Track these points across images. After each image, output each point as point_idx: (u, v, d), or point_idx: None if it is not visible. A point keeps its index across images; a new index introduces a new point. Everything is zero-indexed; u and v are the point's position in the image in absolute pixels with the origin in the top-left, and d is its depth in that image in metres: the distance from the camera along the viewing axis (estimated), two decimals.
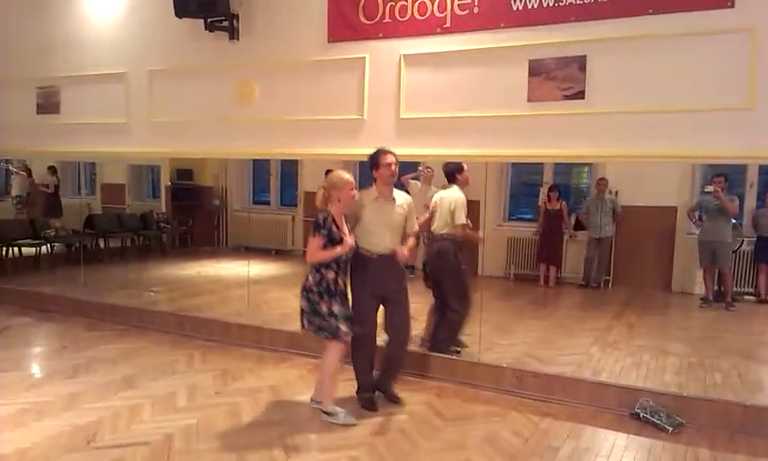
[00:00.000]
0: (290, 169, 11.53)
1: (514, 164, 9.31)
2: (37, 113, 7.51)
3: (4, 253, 8.94)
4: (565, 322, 6.97)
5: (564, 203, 9.20)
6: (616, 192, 9.00)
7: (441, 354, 5.24)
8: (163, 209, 11.02)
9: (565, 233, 9.24)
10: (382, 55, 5.42)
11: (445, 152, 5.29)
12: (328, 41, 5.66)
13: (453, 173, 5.41)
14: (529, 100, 4.87)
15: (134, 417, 4.27)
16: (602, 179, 9.03)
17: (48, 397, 4.59)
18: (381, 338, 4.61)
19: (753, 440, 4.10)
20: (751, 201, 8.61)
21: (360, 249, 4.39)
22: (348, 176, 4.27)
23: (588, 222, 9.04)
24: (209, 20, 6.06)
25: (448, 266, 5.33)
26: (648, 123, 4.50)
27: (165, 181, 11.00)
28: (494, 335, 6.05)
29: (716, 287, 7.99)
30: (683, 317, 7.67)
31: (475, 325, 5.46)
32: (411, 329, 4.69)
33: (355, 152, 5.74)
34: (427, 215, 5.48)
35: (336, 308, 4.17)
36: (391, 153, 4.47)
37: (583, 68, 4.67)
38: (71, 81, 7.21)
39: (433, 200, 5.56)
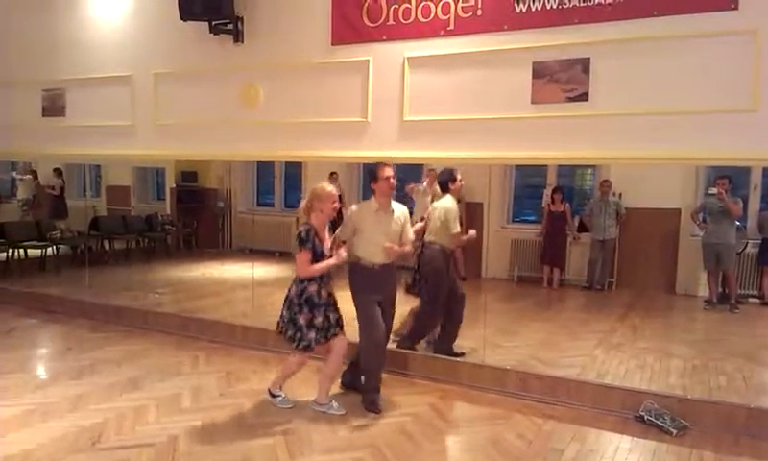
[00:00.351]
0: (294, 171, 11.54)
1: (517, 166, 9.28)
2: (43, 116, 7.54)
3: (10, 254, 8.98)
4: (569, 324, 6.96)
5: (567, 205, 9.19)
6: (620, 194, 8.98)
7: (444, 357, 5.25)
8: (168, 211, 11.04)
9: (569, 235, 9.23)
10: (386, 57, 5.43)
11: (449, 154, 5.29)
12: (332, 44, 5.67)
13: (446, 182, 5.43)
14: (533, 102, 4.87)
15: (139, 418, 4.29)
16: (605, 181, 9.02)
17: (53, 398, 4.61)
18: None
19: (757, 443, 4.10)
20: (755, 203, 8.58)
21: (363, 261, 4.52)
22: (331, 189, 4.38)
23: (591, 224, 9.03)
24: (214, 23, 6.08)
25: (428, 274, 5.35)
26: (652, 125, 4.49)
27: (170, 183, 11.03)
28: (498, 337, 6.05)
29: (720, 289, 7.96)
30: (687, 319, 7.65)
31: (479, 327, 5.47)
32: (391, 328, 4.83)
33: (359, 154, 5.76)
34: (422, 224, 5.48)
35: (318, 321, 4.32)
36: (389, 166, 4.57)
37: (586, 70, 4.67)
38: (76, 83, 7.24)
39: (429, 209, 5.57)
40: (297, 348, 4.37)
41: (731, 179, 7.73)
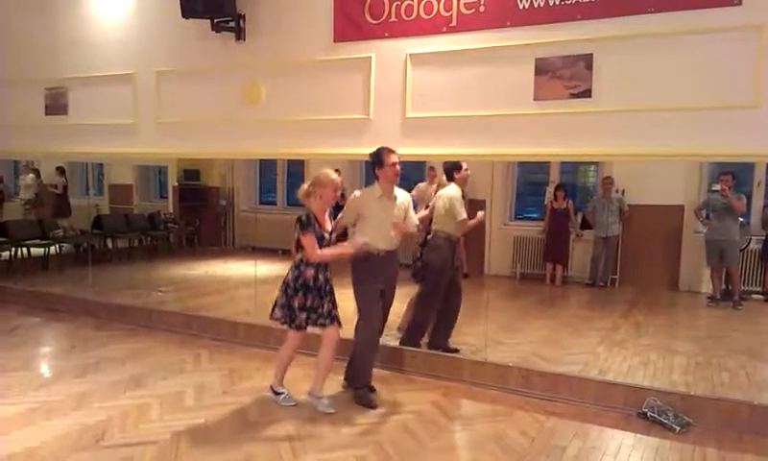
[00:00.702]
0: (296, 169, 11.52)
1: (520, 163, 9.27)
2: (46, 114, 7.56)
3: (13, 253, 9.00)
4: (572, 321, 6.95)
5: (570, 201, 9.18)
6: (623, 191, 8.97)
7: (446, 354, 5.25)
8: (171, 210, 11.05)
9: (572, 232, 9.22)
10: (388, 54, 5.43)
11: (452, 151, 5.29)
12: (334, 41, 5.67)
13: (451, 171, 5.43)
14: (535, 99, 4.87)
15: (143, 416, 4.30)
16: (607, 177, 9.00)
17: (57, 396, 4.62)
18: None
19: (761, 439, 4.09)
20: (758, 199, 8.56)
21: (368, 247, 4.47)
22: (335, 176, 4.35)
23: (594, 221, 9.02)
24: (216, 21, 6.08)
25: (436, 260, 5.33)
26: (655, 121, 4.48)
27: (172, 181, 11.03)
28: (501, 334, 6.05)
29: (724, 286, 7.95)
30: (690, 316, 7.64)
31: (481, 324, 5.46)
32: (386, 319, 4.85)
33: (361, 151, 5.72)
34: (427, 212, 5.49)
35: (309, 302, 4.36)
36: (395, 152, 4.54)
37: (589, 66, 4.66)
38: (79, 82, 7.25)
39: (433, 197, 5.58)
40: (289, 327, 4.42)
41: (734, 175, 7.71)
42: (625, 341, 6.07)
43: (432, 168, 8.86)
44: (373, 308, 4.53)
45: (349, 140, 5.67)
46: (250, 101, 6.07)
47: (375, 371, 5.29)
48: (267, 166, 11.73)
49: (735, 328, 6.78)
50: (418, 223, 4.87)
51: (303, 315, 4.37)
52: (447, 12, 5.15)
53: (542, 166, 9.58)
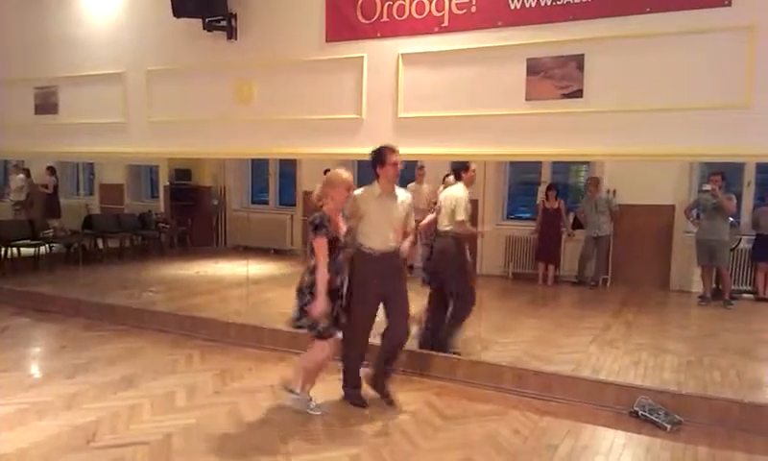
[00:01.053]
0: (289, 169, 11.53)
1: (512, 163, 9.31)
2: (36, 114, 7.51)
3: (3, 253, 8.93)
4: (564, 320, 6.98)
5: (562, 201, 9.21)
6: (614, 191, 9.00)
7: (442, 354, 5.25)
8: (162, 209, 11.02)
9: (564, 232, 9.25)
10: (380, 54, 5.43)
11: (444, 151, 5.30)
12: (326, 41, 5.66)
13: (458, 171, 5.41)
14: (527, 99, 4.88)
15: (134, 417, 4.28)
16: (592, 178, 9.08)
17: (47, 397, 4.59)
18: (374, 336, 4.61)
19: (751, 437, 4.12)
20: (748, 199, 8.63)
21: (363, 247, 4.40)
22: (346, 175, 4.25)
23: (585, 221, 9.06)
24: (207, 20, 6.06)
25: (449, 263, 5.32)
26: (646, 121, 4.50)
27: (164, 180, 11.00)
28: (493, 334, 6.06)
29: (714, 285, 8.00)
30: (681, 315, 7.68)
31: (475, 324, 5.47)
32: (409, 329, 4.68)
33: (354, 151, 5.75)
34: (433, 215, 5.47)
35: (329, 307, 4.18)
36: (396, 151, 4.46)
37: (581, 67, 4.68)
38: (69, 81, 7.20)
39: (440, 197, 5.56)
40: (316, 336, 4.24)
41: (724, 175, 7.77)
42: (617, 340, 6.10)
43: (421, 168, 8.92)
44: (362, 314, 4.42)
45: (342, 140, 5.67)
46: (241, 100, 6.06)
47: (367, 370, 5.29)
48: (259, 166, 11.71)
49: (726, 328, 6.82)
50: (414, 226, 4.71)
51: (325, 322, 4.19)
52: (439, 12, 5.15)
53: (534, 166, 9.61)
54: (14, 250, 9.05)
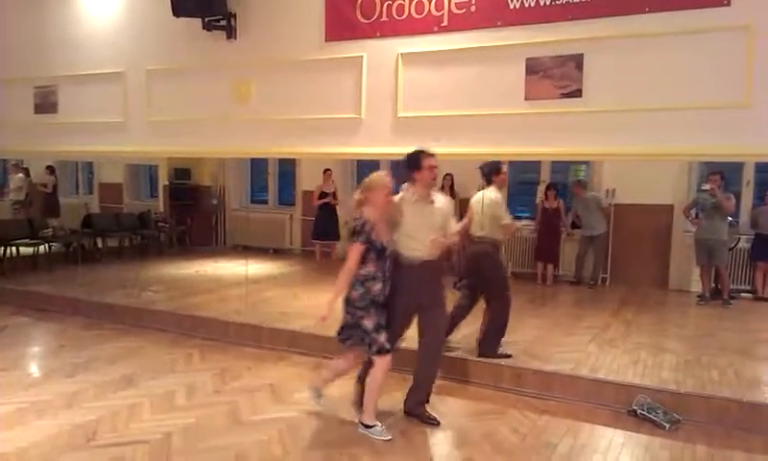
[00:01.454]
0: (288, 168, 11.56)
1: (511, 162, 9.29)
2: (35, 113, 7.52)
3: (2, 252, 8.93)
4: (563, 320, 6.98)
5: (561, 201, 9.22)
6: (613, 191, 8.99)
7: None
8: (161, 209, 11.03)
9: (563, 232, 9.26)
10: (380, 54, 5.44)
11: (443, 150, 5.25)
12: (326, 40, 5.67)
13: (490, 174, 5.28)
14: (526, 98, 4.89)
15: (134, 416, 4.28)
16: (576, 180, 9.14)
17: (47, 396, 4.59)
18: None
19: (749, 436, 4.13)
20: (747, 198, 8.65)
21: (402, 256, 4.11)
22: (386, 179, 4.00)
23: (581, 221, 9.08)
24: (207, 19, 6.07)
25: (487, 269, 5.20)
26: (645, 121, 4.52)
27: (163, 180, 11.02)
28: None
29: (713, 285, 8.01)
30: (679, 314, 7.69)
31: (473, 323, 5.47)
32: (444, 341, 4.55)
33: (353, 151, 5.77)
34: (466, 220, 5.26)
35: (383, 320, 3.95)
36: (433, 155, 4.19)
37: (580, 67, 4.69)
38: (69, 80, 7.21)
39: (472, 202, 5.39)
40: (373, 354, 3.97)
41: (723, 175, 7.78)
42: (615, 339, 6.11)
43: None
44: (394, 328, 4.08)
45: (341, 139, 5.68)
46: (240, 100, 6.07)
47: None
48: (258, 165, 11.73)
49: (724, 327, 6.83)
50: (457, 230, 4.46)
51: (382, 336, 3.92)
52: (439, 11, 5.16)
53: (533, 166, 9.62)
54: (14, 249, 9.06)
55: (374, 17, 5.42)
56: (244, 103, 6.05)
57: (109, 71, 6.86)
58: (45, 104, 7.46)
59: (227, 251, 10.84)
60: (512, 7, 4.90)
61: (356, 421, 4.13)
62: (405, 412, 4.34)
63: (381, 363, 3.97)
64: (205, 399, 4.66)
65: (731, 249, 8.12)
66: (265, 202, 11.87)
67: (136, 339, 6.16)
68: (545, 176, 9.68)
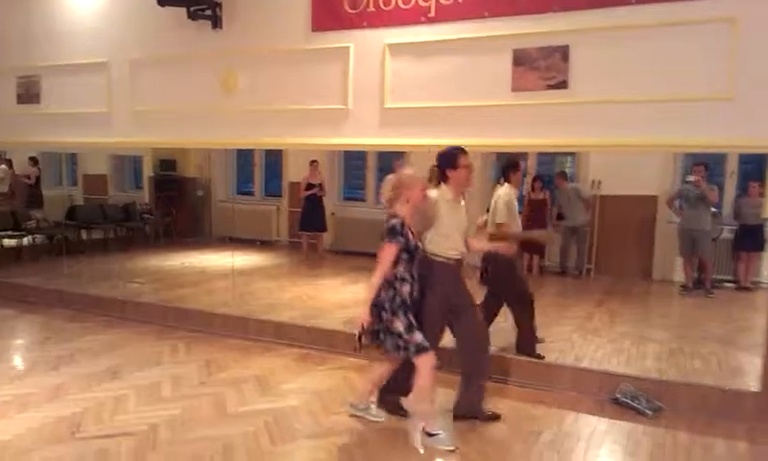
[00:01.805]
0: (274, 159, 11.49)
1: (498, 154, 9.35)
2: (18, 103, 7.41)
3: None
4: (548, 310, 7.01)
5: (547, 192, 9.26)
6: (599, 182, 9.04)
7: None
8: (146, 200, 10.94)
9: (549, 223, 9.31)
10: (367, 44, 5.41)
11: (430, 141, 5.27)
12: (312, 30, 5.63)
13: (506, 170, 5.24)
14: (513, 89, 4.89)
15: (119, 407, 4.27)
16: (558, 172, 9.19)
17: (31, 388, 4.56)
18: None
19: (730, 424, 4.19)
20: (731, 189, 8.74)
21: (436, 256, 4.03)
22: (418, 175, 3.91)
23: (564, 212, 9.15)
24: (192, 9, 6.01)
25: (500, 270, 5.06)
26: (630, 112, 4.54)
27: (148, 171, 10.91)
28: None
29: (696, 275, 8.11)
30: (663, 304, 7.78)
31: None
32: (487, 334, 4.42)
33: (340, 141, 5.75)
34: (484, 217, 5.28)
35: (414, 321, 3.79)
36: (467, 153, 4.11)
37: (566, 58, 4.70)
38: (52, 70, 7.11)
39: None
40: (408, 356, 3.78)
41: (707, 166, 7.85)
42: (599, 329, 6.17)
43: (398, 160, 8.98)
44: (430, 331, 3.90)
45: (328, 130, 5.65)
46: (226, 90, 6.02)
47: (353, 361, 5.33)
48: (244, 156, 11.65)
49: (707, 316, 6.92)
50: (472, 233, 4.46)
51: (419, 336, 3.74)
52: (426, 2, 5.14)
53: (520, 157, 9.63)
54: None
55: (361, 7, 5.40)
56: (230, 93, 6.01)
57: (93, 61, 6.77)
58: (28, 94, 7.35)
59: (213, 242, 10.77)
60: None
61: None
62: (456, 416, 4.15)
63: (423, 363, 3.74)
64: (191, 390, 4.65)
65: (714, 239, 8.21)
66: (251, 193, 11.80)
67: (121, 331, 6.13)
68: (532, 167, 9.71)
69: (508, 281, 5.18)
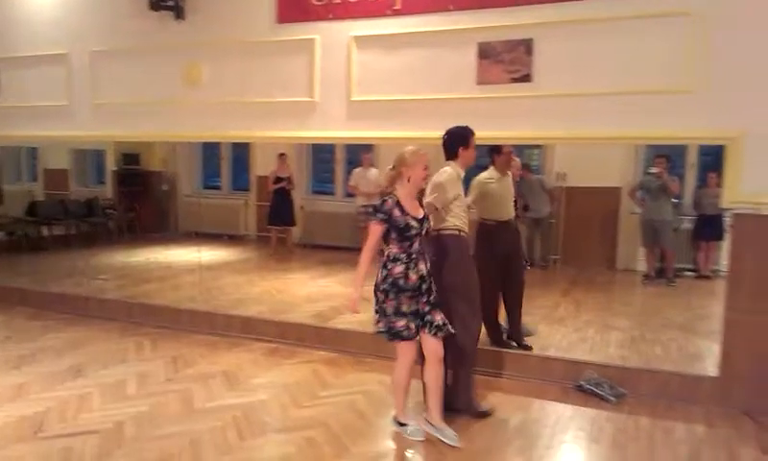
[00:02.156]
0: (242, 153, 11.39)
1: None
2: None
3: None
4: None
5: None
6: (564, 174, 9.18)
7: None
8: (109, 195, 10.74)
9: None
10: (332, 36, 5.39)
11: (397, 134, 5.30)
12: (278, 22, 5.58)
13: (490, 153, 5.25)
14: (478, 83, 4.93)
15: (83, 406, 4.20)
16: (523, 164, 9.28)
17: None
18: None
19: (690, 407, 4.32)
20: (691, 180, 8.96)
21: (457, 230, 4.08)
22: (422, 152, 3.76)
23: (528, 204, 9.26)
24: None
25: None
26: (593, 105, 4.60)
27: (111, 165, 10.71)
28: None
29: (658, 264, 8.31)
30: (626, 293, 7.95)
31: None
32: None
33: (307, 134, 5.72)
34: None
35: (405, 307, 3.64)
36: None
37: (529, 51, 4.75)
38: (9, 63, 6.91)
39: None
40: (388, 339, 3.72)
41: (668, 157, 8.04)
42: (565, 318, 6.28)
43: (367, 152, 9.02)
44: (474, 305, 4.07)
45: (295, 123, 5.62)
46: (190, 82, 5.93)
47: (322, 354, 5.33)
48: (211, 150, 11.53)
49: (668, 304, 7.10)
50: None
51: (401, 321, 3.62)
52: None
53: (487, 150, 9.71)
54: None
55: None
56: (194, 85, 5.92)
57: (52, 53, 6.61)
58: None
59: (179, 238, 10.63)
60: None
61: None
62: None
63: (402, 351, 3.72)
64: (158, 387, 4.59)
65: (675, 229, 8.42)
66: (218, 187, 11.68)
67: (85, 329, 6.02)
68: None
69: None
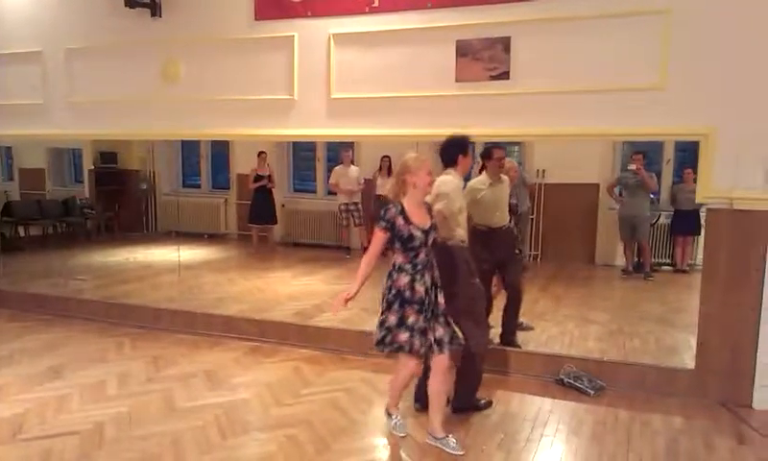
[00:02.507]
0: (221, 151, 11.33)
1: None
2: None
3: None
4: (495, 296, 7.17)
5: None
6: (544, 171, 9.26)
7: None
8: (87, 195, 10.62)
9: None
10: (311, 34, 5.38)
11: (376, 132, 5.32)
12: (256, 19, 5.56)
13: (482, 158, 5.15)
14: (457, 80, 4.95)
15: (63, 407, 4.16)
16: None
17: None
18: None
19: (667, 400, 4.40)
20: (668, 176, 9.10)
21: (462, 240, 4.09)
22: (423, 157, 3.68)
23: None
24: None
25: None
26: (570, 103, 4.66)
27: (88, 164, 10.60)
28: None
29: (636, 259, 8.43)
30: (605, 288, 8.05)
31: None
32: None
33: (286, 132, 5.71)
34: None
35: (411, 319, 3.52)
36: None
37: (507, 49, 4.78)
38: None
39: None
40: (384, 351, 3.62)
41: (646, 154, 8.15)
42: (545, 313, 6.34)
43: (348, 150, 9.02)
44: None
45: (274, 121, 5.60)
46: (168, 80, 5.88)
47: (303, 352, 5.33)
48: (190, 148, 11.45)
49: (646, 298, 7.20)
50: None
51: (404, 335, 3.50)
52: None
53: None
54: None
55: None
56: (171, 83, 5.87)
57: (27, 51, 6.51)
58: None
59: (158, 237, 10.55)
60: None
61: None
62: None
63: (405, 363, 3.67)
64: (138, 387, 4.56)
65: (652, 224, 8.56)
66: (198, 186, 11.60)
67: (63, 330, 5.95)
68: (478, 157, 9.83)
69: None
